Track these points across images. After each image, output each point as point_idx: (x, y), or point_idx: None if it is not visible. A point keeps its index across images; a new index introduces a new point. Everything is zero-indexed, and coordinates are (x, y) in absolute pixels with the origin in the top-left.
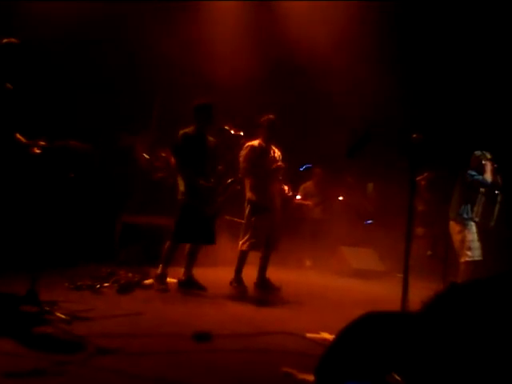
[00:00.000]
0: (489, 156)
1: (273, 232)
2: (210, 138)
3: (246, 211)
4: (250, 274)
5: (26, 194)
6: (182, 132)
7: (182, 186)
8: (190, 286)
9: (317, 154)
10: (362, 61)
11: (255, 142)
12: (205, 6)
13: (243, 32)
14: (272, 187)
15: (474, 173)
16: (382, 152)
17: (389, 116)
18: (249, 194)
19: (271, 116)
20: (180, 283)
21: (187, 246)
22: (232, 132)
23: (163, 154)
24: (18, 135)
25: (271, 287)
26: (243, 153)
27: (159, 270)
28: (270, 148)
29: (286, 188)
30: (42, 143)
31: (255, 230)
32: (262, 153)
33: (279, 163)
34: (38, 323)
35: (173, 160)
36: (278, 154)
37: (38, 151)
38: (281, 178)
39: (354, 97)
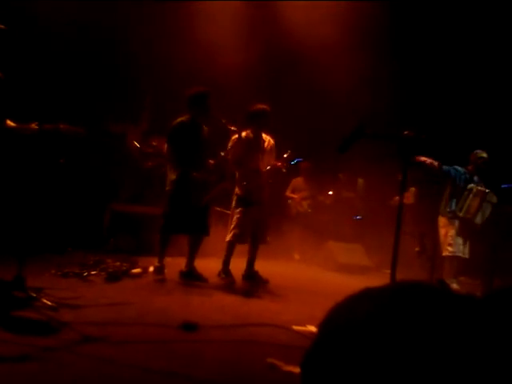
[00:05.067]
0: (484, 155)
1: (259, 225)
2: (205, 128)
3: (233, 203)
4: (238, 266)
5: (15, 179)
6: (176, 120)
7: (171, 176)
8: (191, 277)
9: (308, 149)
10: (360, 58)
11: (242, 134)
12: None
13: (240, 26)
14: (260, 180)
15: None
16: (374, 148)
17: (383, 114)
18: (235, 187)
19: (261, 105)
20: (182, 274)
21: (188, 237)
22: (228, 126)
23: (154, 143)
24: (9, 121)
25: (259, 279)
26: (229, 145)
27: (157, 263)
28: (260, 138)
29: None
30: (34, 127)
31: (240, 222)
32: (249, 144)
33: (278, 164)
34: (24, 309)
35: (165, 148)
36: (271, 143)
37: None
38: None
39: (349, 92)
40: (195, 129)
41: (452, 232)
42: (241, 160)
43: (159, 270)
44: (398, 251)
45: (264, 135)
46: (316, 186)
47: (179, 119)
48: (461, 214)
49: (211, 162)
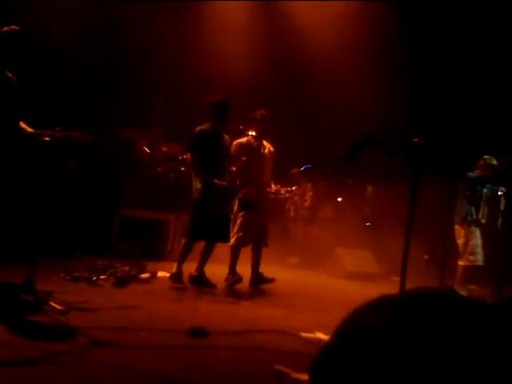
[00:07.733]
0: (494, 162)
1: (261, 228)
2: (226, 137)
3: (235, 207)
4: (243, 273)
5: (26, 184)
6: (198, 128)
7: (197, 184)
8: (200, 282)
9: (318, 155)
10: (369, 65)
11: (243, 140)
12: (209, 6)
13: (248, 32)
14: (261, 183)
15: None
16: (383, 156)
17: (394, 121)
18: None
19: (261, 111)
20: (191, 278)
21: (202, 243)
22: (246, 132)
23: (164, 149)
24: (23, 124)
25: (265, 280)
26: (232, 150)
27: (175, 269)
28: (261, 144)
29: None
30: (49, 133)
31: (242, 225)
32: (250, 149)
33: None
34: (33, 313)
35: (188, 157)
36: (271, 150)
37: (46, 139)
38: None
39: (360, 100)
40: (216, 137)
41: (474, 241)
42: (245, 166)
43: (177, 277)
44: (408, 258)
45: (264, 142)
46: (303, 187)
47: (200, 127)
48: (484, 221)
49: (233, 168)
